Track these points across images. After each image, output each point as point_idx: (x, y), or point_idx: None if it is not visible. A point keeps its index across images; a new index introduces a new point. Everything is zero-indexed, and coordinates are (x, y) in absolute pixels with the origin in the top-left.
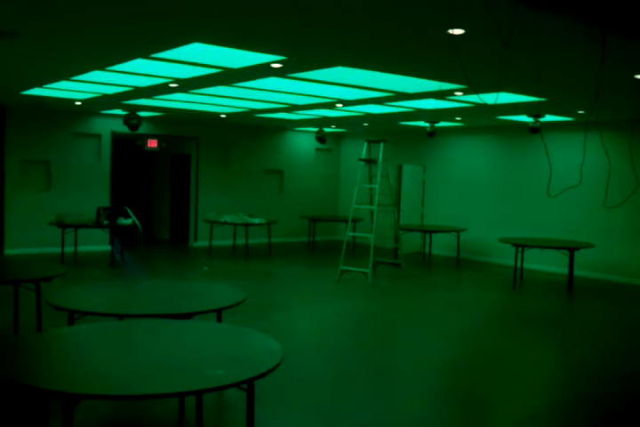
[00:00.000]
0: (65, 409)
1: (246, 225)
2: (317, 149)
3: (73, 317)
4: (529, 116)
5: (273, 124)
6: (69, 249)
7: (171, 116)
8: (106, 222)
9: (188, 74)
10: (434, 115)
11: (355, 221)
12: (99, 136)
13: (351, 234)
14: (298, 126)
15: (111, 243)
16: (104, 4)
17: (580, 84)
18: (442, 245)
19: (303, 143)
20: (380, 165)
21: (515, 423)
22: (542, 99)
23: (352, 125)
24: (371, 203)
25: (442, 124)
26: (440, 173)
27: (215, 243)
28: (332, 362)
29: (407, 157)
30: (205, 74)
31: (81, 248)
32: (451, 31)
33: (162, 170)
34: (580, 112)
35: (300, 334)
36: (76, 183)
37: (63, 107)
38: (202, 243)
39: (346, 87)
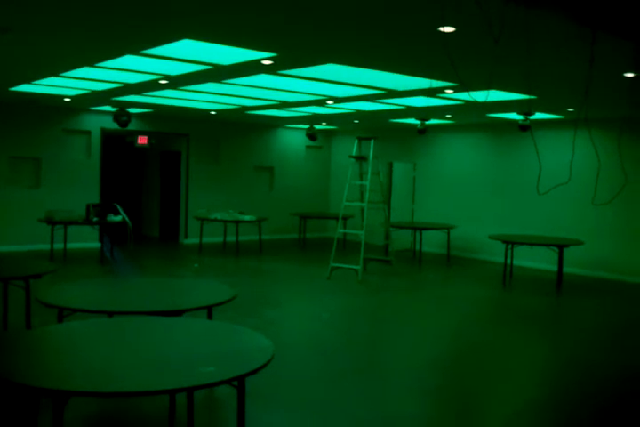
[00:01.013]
0: (55, 407)
1: (237, 222)
2: (308, 146)
3: (62, 314)
4: (519, 113)
5: (263, 121)
6: (59, 246)
7: (160, 112)
8: (95, 219)
9: (178, 70)
10: (424, 112)
11: (345, 218)
12: (88, 133)
13: (342, 231)
14: (288, 123)
15: (101, 240)
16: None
17: (570, 82)
18: (432, 242)
19: (294, 140)
20: (371, 162)
21: (505, 420)
22: (532, 96)
23: (343, 123)
24: (361, 200)
25: (432, 121)
26: (430, 171)
27: (205, 240)
28: (323, 359)
29: (398, 154)
30: (195, 70)
31: (70, 245)
32: (442, 29)
33: (152, 167)
34: (570, 110)
35: (290, 331)
36: (65, 180)
37: (53, 103)
38: (192, 240)
39: (336, 84)
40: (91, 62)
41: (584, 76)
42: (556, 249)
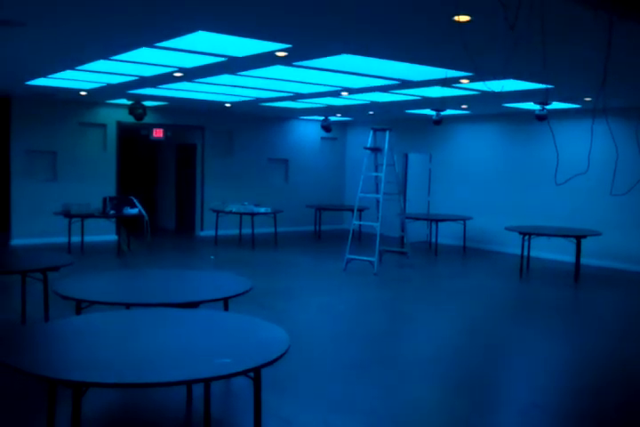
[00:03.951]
0: (73, 398)
1: (252, 214)
2: (323, 138)
3: (80, 306)
4: (536, 103)
5: (278, 112)
6: (76, 239)
7: (176, 105)
8: (112, 212)
9: (193, 63)
10: (440, 103)
11: (360, 209)
12: (104, 126)
13: (357, 223)
14: (303, 115)
15: (117, 233)
16: None
17: (588, 71)
18: (448, 234)
19: (308, 132)
20: (386, 154)
21: (520, 411)
22: (549, 86)
23: (358, 114)
24: (377, 191)
25: (448, 112)
26: (446, 162)
27: (221, 232)
28: (339, 350)
29: (413, 145)
30: (210, 63)
31: (87, 238)
32: (457, 18)
33: (167, 159)
34: (588, 99)
35: (306, 323)
36: (82, 173)
37: (68, 97)
38: (208, 232)
39: (351, 75)
40: (106, 55)
41: (601, 64)
42: (574, 240)
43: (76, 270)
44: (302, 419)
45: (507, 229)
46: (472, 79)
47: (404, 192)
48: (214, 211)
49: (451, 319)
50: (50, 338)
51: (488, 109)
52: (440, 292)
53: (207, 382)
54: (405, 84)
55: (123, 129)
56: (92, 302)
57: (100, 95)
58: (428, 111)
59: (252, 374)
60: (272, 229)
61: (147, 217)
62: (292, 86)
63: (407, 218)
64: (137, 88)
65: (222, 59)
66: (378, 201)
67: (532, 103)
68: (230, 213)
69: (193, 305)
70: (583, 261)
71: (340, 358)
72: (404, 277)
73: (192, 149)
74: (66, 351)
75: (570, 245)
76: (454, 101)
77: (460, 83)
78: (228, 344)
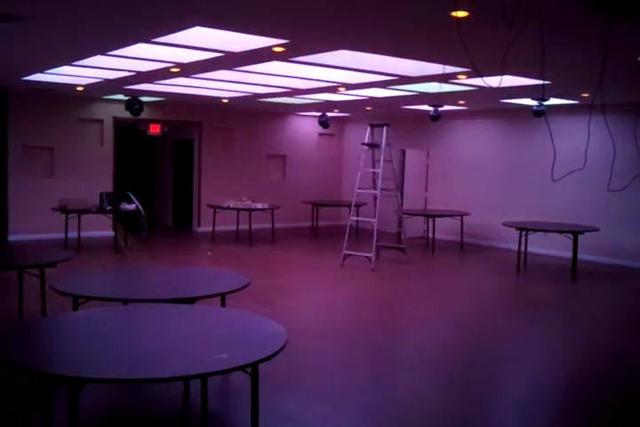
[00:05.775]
0: (70, 394)
1: (249, 210)
2: (320, 134)
3: (77, 302)
4: (533, 99)
5: (275, 108)
6: (73, 235)
7: (173, 101)
8: (109, 208)
9: (190, 58)
10: (437, 98)
11: (358, 205)
12: (101, 121)
13: (354, 219)
14: (301, 111)
15: (114, 228)
16: None
17: (585, 67)
18: (445, 230)
19: (306, 128)
20: (384, 150)
21: (515, 407)
22: (546, 82)
23: (355, 110)
24: (374, 187)
25: (445, 107)
26: (444, 158)
27: (218, 228)
28: (336, 346)
29: (411, 141)
30: (207, 58)
31: (84, 234)
32: (454, 14)
33: (164, 155)
34: (585, 95)
35: (303, 319)
36: (79, 169)
37: (65, 92)
38: (205, 228)
39: (349, 71)
40: (102, 50)
41: (599, 60)
42: (571, 236)
43: (73, 266)
44: (301, 415)
45: (504, 224)
46: (469, 75)
47: (401, 188)
48: (211, 207)
49: (448, 315)
50: (47, 334)
51: (486, 105)
52: (437, 287)
53: (204, 377)
54: (403, 79)
55: (120, 125)
56: (89, 298)
57: (97, 91)
58: (425, 107)
59: (249, 370)
60: (269, 225)
61: (144, 213)
62: (290, 82)
63: (404, 214)
64: (134, 83)
65: (219, 54)
66: (375, 197)
67: (529, 99)
68: (228, 208)
69: (190, 301)
70: (580, 256)
71: (337, 353)
72: (402, 273)
73: (189, 145)
74: (63, 347)
75: (567, 240)
76: (452, 97)
77: (457, 78)
78: (225, 340)
